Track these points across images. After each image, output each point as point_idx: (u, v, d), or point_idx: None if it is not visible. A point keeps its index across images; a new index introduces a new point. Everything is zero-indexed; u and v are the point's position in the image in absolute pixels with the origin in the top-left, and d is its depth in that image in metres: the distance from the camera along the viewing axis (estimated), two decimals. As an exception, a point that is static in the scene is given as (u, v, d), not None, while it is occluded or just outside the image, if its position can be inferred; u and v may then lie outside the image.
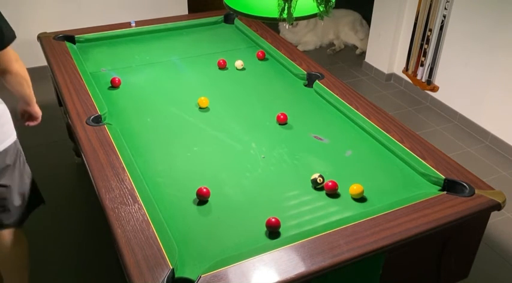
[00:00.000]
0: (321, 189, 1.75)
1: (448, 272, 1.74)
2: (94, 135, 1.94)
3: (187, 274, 1.35)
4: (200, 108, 2.25)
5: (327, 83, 2.38)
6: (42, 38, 2.82)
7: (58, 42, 2.75)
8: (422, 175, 1.80)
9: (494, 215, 2.31)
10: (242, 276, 1.34)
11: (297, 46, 4.41)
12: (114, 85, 2.40)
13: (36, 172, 2.97)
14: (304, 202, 1.70)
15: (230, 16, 3.15)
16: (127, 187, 1.66)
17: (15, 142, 1.82)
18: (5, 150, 1.75)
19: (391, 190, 1.75)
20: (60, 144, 3.21)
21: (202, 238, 1.54)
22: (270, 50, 2.75)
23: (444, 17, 3.51)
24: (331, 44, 4.77)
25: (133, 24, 2.58)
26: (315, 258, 1.40)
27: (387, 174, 1.84)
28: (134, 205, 1.58)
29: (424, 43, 3.71)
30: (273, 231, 1.55)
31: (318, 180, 1.74)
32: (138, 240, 1.45)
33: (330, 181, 1.73)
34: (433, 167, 1.79)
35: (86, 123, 2.01)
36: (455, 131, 3.52)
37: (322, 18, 1.53)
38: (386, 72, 4.16)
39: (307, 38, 4.69)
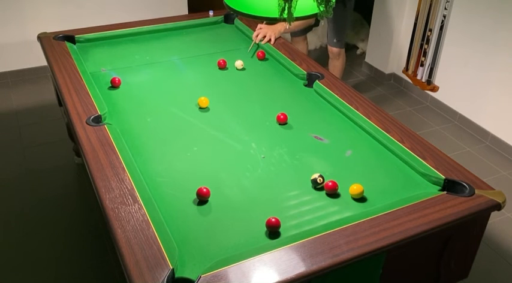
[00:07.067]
0: (321, 189, 1.75)
1: (448, 272, 1.74)
2: (94, 135, 1.94)
3: (187, 274, 1.35)
4: (200, 108, 2.25)
5: (327, 83, 2.38)
6: (42, 38, 2.81)
7: (58, 42, 2.75)
8: (422, 175, 1.80)
9: (494, 215, 2.31)
10: (242, 276, 1.34)
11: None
12: (114, 85, 2.40)
13: (36, 172, 2.98)
14: (304, 202, 1.70)
15: (230, 16, 3.15)
16: (127, 187, 1.66)
17: None
18: None
19: (391, 190, 1.75)
20: (60, 144, 3.21)
21: (202, 238, 1.54)
22: (270, 50, 2.75)
23: (444, 17, 3.51)
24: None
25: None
26: (315, 258, 1.40)
27: (387, 174, 1.84)
28: (134, 205, 1.58)
29: (424, 43, 3.71)
30: (273, 231, 1.55)
31: (318, 180, 1.74)
32: (138, 240, 1.45)
33: (330, 181, 1.73)
34: (433, 167, 1.79)
35: (86, 123, 2.01)
36: (455, 131, 3.52)
37: (322, 18, 1.53)
38: (386, 72, 4.16)
39: (307, 38, 4.69)
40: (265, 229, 1.56)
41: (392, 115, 2.19)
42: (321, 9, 1.49)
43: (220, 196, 1.71)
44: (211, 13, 3.14)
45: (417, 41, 3.78)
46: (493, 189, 1.68)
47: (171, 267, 1.35)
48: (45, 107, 3.64)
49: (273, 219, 1.54)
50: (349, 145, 2.00)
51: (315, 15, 1.52)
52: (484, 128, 3.40)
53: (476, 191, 1.66)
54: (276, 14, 1.48)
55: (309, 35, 4.68)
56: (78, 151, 2.96)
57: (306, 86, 2.45)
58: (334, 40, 3.35)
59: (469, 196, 1.64)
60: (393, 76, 4.18)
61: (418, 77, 3.86)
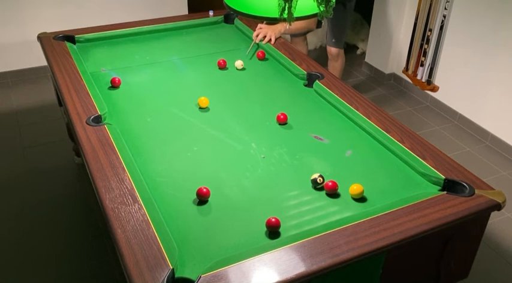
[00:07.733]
0: (321, 189, 1.75)
1: (448, 272, 1.74)
2: (94, 135, 1.94)
3: (187, 274, 1.35)
4: (200, 108, 2.25)
5: (327, 83, 2.38)
6: (42, 38, 2.81)
7: (58, 42, 2.75)
8: (422, 175, 1.80)
9: (494, 215, 2.31)
10: (242, 276, 1.34)
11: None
12: (114, 85, 2.40)
13: (36, 172, 2.98)
14: (304, 202, 1.70)
15: (230, 16, 3.15)
16: (127, 187, 1.66)
17: None
18: None
19: (391, 190, 1.75)
20: (60, 144, 3.21)
21: (202, 238, 1.54)
22: (270, 50, 2.75)
23: (444, 17, 3.51)
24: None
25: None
26: (315, 258, 1.40)
27: (387, 174, 1.84)
28: (134, 205, 1.58)
29: (424, 43, 3.71)
30: (273, 231, 1.55)
31: (318, 180, 1.73)
32: (138, 240, 1.45)
33: (330, 181, 1.73)
34: (433, 167, 1.79)
35: (86, 123, 2.01)
36: (455, 131, 3.52)
37: (322, 18, 1.53)
38: (386, 72, 4.16)
39: (307, 38, 4.69)
40: (265, 229, 1.56)
41: (393, 115, 2.19)
42: (321, 9, 1.49)
43: (220, 196, 1.71)
44: (211, 13, 3.14)
45: (417, 41, 3.78)
46: (493, 189, 1.68)
47: (171, 267, 1.35)
48: (45, 107, 3.64)
49: (273, 219, 1.54)
50: (349, 145, 2.00)
51: (315, 15, 1.52)
52: (484, 128, 3.40)
53: (476, 191, 1.66)
54: (276, 14, 1.48)
55: (309, 35, 4.68)
56: (78, 151, 2.96)
57: (306, 86, 2.45)
58: (333, 40, 3.36)
59: (469, 196, 1.64)
60: (393, 76, 4.18)
61: (418, 77, 3.86)
